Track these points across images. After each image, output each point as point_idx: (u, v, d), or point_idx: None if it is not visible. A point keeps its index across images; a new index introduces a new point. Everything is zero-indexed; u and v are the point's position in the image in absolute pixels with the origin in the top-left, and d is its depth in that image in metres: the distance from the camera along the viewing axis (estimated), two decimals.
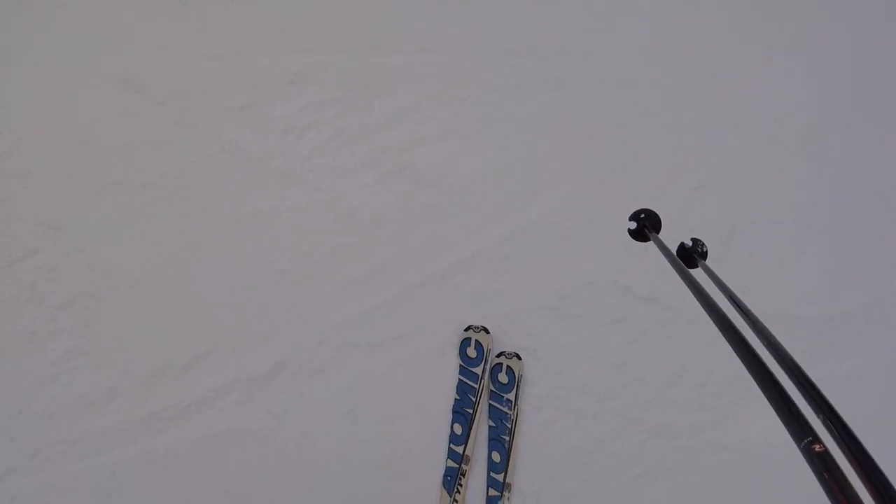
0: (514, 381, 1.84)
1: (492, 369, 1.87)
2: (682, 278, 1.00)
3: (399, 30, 2.70)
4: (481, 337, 1.89)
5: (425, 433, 1.83)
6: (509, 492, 1.75)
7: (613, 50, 2.60)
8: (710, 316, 0.83)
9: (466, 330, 1.92)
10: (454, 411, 1.84)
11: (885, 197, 2.22)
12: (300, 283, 2.05)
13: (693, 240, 1.33)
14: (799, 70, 2.48)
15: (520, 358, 1.87)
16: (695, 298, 0.90)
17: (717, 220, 2.16)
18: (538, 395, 1.86)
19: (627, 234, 1.48)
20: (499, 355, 1.88)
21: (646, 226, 1.48)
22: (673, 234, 2.10)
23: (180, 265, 2.11)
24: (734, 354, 0.71)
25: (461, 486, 1.76)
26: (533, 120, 2.43)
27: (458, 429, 1.81)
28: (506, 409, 1.83)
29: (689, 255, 1.31)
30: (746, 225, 2.14)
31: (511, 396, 1.83)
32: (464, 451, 1.79)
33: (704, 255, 1.30)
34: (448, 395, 1.86)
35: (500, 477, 1.77)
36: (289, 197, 2.24)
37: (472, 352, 1.88)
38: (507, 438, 1.80)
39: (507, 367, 1.85)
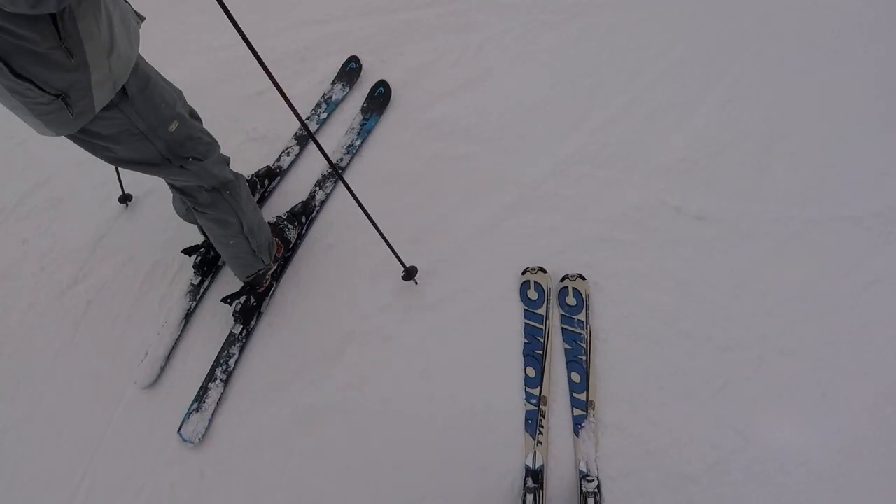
0: (582, 302, 1.84)
1: (559, 293, 1.87)
2: None
3: None
4: (539, 277, 1.88)
5: (500, 381, 1.83)
6: (594, 409, 1.74)
7: None
8: None
9: (524, 273, 1.92)
10: (524, 355, 1.84)
11: None
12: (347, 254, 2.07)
13: None
14: None
15: (584, 278, 1.86)
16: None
17: (756, 129, 2.09)
18: (604, 327, 1.84)
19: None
20: (563, 279, 1.88)
21: None
22: (712, 146, 2.05)
23: None
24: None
25: (542, 427, 1.76)
26: (553, 52, 2.37)
27: (531, 372, 1.82)
28: (578, 330, 1.83)
29: None
30: (785, 130, 2.07)
31: (581, 317, 1.83)
32: (540, 393, 1.79)
33: None
34: (516, 340, 1.87)
35: (582, 396, 1.76)
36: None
37: (532, 294, 1.88)
38: (584, 358, 1.79)
39: (573, 288, 1.85)
